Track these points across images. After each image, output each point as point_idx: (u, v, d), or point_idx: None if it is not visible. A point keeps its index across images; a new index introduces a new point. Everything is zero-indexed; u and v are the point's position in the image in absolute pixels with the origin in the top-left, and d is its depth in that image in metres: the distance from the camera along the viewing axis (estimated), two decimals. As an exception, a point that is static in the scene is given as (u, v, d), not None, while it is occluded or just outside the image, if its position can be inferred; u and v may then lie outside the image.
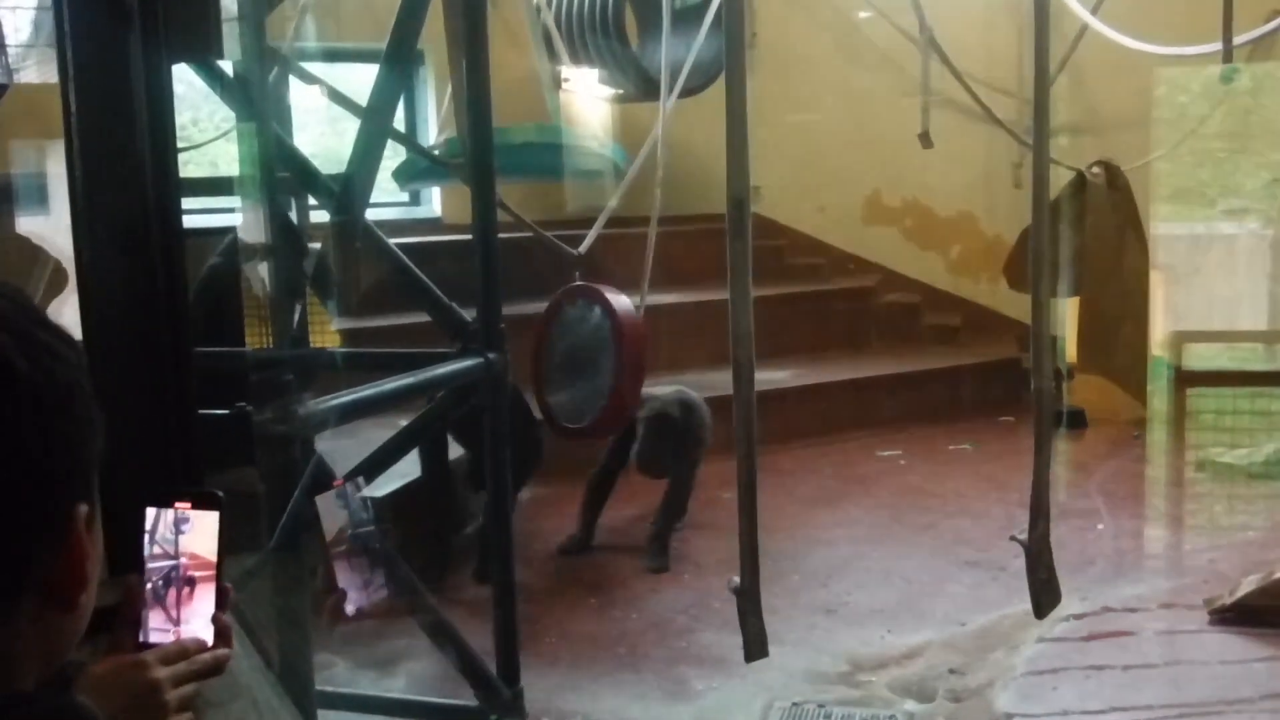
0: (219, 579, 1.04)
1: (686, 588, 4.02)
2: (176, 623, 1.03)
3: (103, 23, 1.46)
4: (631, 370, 3.92)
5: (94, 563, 0.87)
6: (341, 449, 2.63)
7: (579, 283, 4.04)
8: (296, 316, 2.75)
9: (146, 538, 1.02)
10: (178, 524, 1.02)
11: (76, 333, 1.64)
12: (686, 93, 5.40)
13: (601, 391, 3.91)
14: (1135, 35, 5.63)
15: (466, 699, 2.80)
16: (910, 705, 3.14)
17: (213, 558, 1.03)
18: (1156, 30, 5.63)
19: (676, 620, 3.73)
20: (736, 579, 2.58)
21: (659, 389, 4.35)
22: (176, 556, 1.02)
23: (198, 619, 1.03)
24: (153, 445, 1.60)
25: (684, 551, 4.36)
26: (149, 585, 1.02)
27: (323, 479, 2.02)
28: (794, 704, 3.14)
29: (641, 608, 3.85)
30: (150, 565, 1.02)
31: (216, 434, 1.78)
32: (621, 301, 3.95)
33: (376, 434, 2.75)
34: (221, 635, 1.05)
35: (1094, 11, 5.64)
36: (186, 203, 1.68)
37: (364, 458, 2.42)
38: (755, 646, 2.60)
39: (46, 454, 0.80)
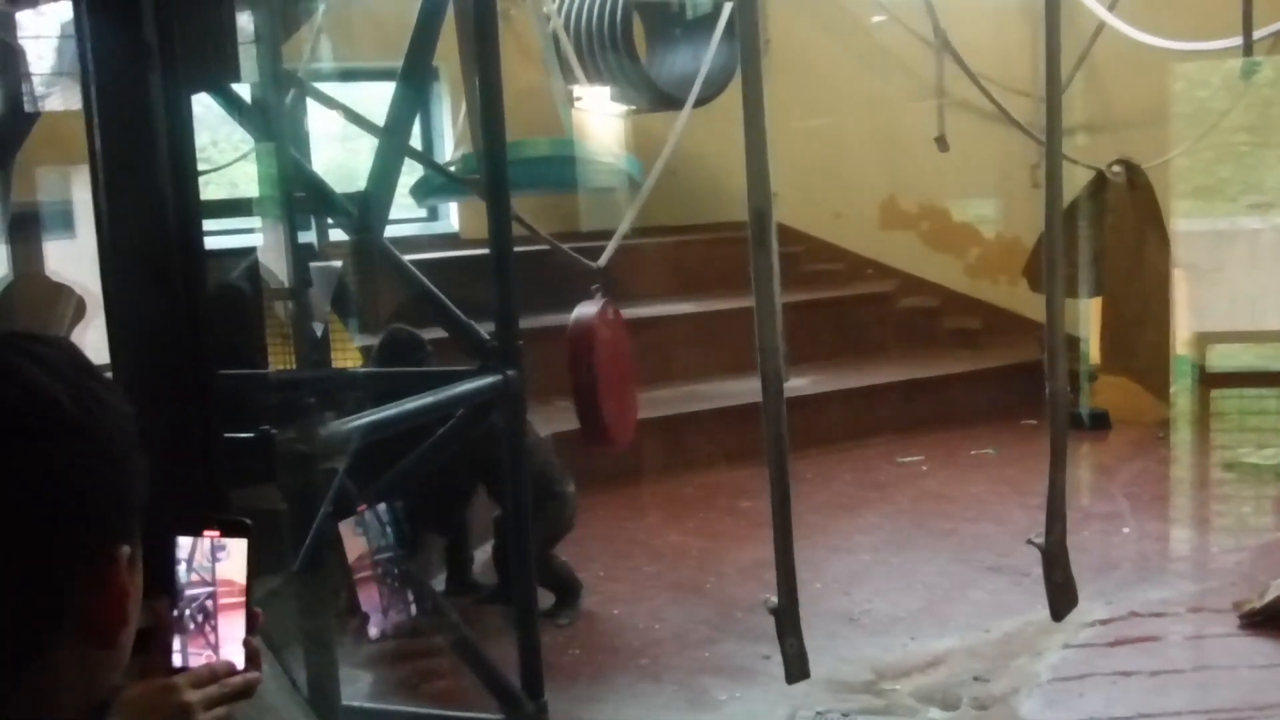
0: (249, 604, 1.06)
1: (708, 598, 4.02)
2: (209, 647, 1.06)
3: (124, 58, 1.50)
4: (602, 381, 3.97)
5: (135, 602, 0.89)
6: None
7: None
8: (319, 336, 2.79)
9: (182, 566, 1.05)
10: (211, 551, 1.05)
11: (103, 357, 1.67)
12: (699, 102, 5.43)
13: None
14: (1152, 31, 5.60)
15: (491, 712, 2.81)
16: (935, 713, 3.13)
17: (243, 583, 1.06)
18: (1174, 26, 5.59)
19: (698, 631, 3.74)
20: (774, 599, 2.55)
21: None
22: (209, 584, 1.05)
23: (229, 643, 1.06)
24: (177, 468, 1.63)
25: (705, 561, 4.37)
26: (184, 612, 1.05)
27: (345, 500, 2.05)
28: (817, 713, 3.14)
29: (663, 618, 3.86)
30: (183, 592, 1.05)
31: (240, 456, 1.81)
32: (582, 313, 3.98)
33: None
34: (252, 659, 1.07)
35: (1110, 8, 5.62)
36: (206, 224, 1.71)
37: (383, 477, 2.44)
38: (796, 667, 2.57)
39: (92, 497, 0.83)
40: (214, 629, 1.05)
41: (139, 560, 0.90)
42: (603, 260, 4.18)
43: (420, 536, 3.71)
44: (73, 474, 0.80)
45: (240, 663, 1.06)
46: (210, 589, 1.05)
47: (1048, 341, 2.96)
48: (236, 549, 1.06)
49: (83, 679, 0.87)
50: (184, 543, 1.05)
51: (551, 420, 5.02)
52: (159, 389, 1.64)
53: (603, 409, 3.98)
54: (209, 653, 1.05)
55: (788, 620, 2.55)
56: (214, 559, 1.05)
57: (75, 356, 0.85)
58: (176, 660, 1.04)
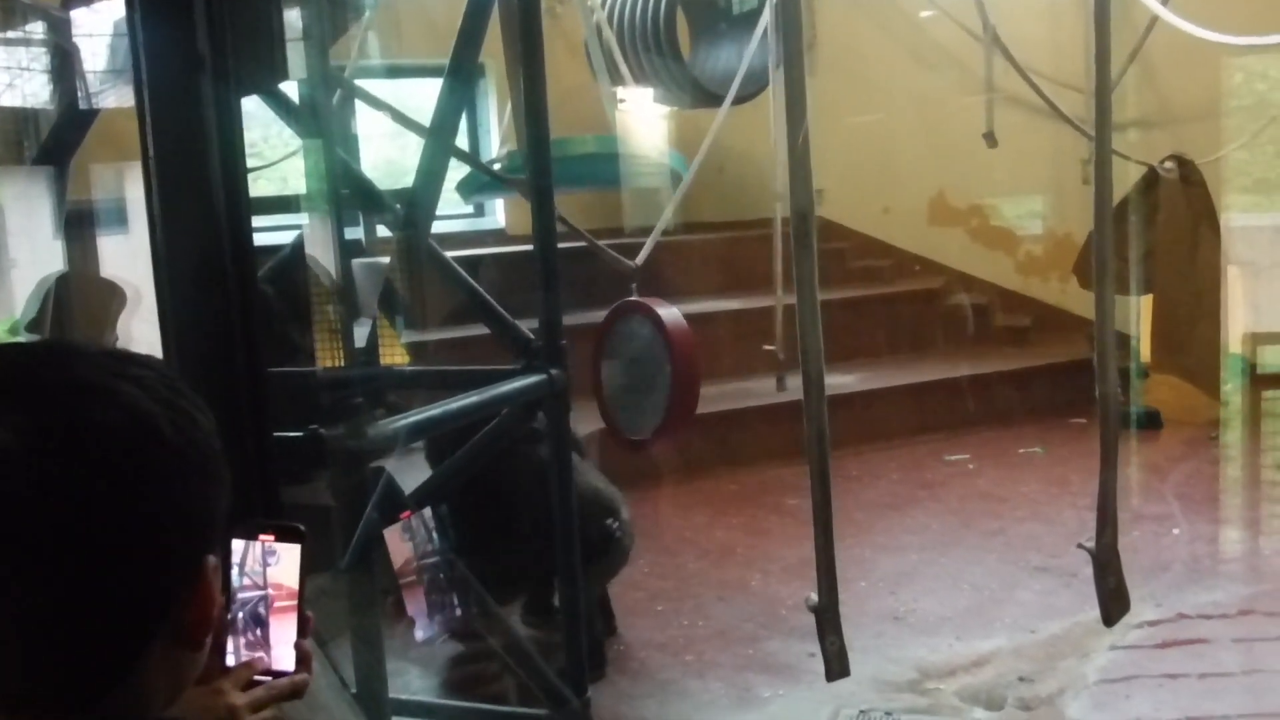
0: (300, 608, 1.09)
1: (753, 595, 4.02)
2: (261, 649, 1.08)
3: (177, 67, 1.53)
4: (684, 381, 3.92)
5: (218, 607, 0.95)
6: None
7: (632, 299, 4.05)
8: (367, 333, 2.82)
9: (236, 569, 1.07)
10: (264, 556, 1.07)
11: (156, 352, 1.71)
12: (744, 99, 5.41)
13: (658, 405, 3.91)
14: (1208, 25, 5.49)
15: (536, 708, 2.83)
16: (979, 714, 3.11)
17: (294, 587, 1.08)
18: (1230, 19, 5.49)
19: (743, 628, 3.74)
20: (814, 596, 2.55)
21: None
22: (261, 587, 1.08)
23: (281, 645, 1.08)
24: (230, 467, 1.66)
25: (750, 558, 4.37)
26: (237, 614, 1.07)
27: (392, 499, 2.07)
28: (861, 712, 3.13)
29: (708, 615, 3.86)
30: (236, 595, 1.08)
31: (290, 456, 1.84)
32: (670, 314, 3.96)
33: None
34: (303, 661, 1.10)
35: (1164, 2, 5.52)
36: (255, 220, 1.74)
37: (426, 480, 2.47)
38: (836, 665, 2.56)
39: (188, 512, 0.88)
40: (266, 632, 1.08)
41: (220, 568, 0.95)
42: (640, 259, 4.19)
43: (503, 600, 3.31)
44: (172, 492, 0.86)
45: (291, 665, 1.08)
46: (263, 592, 1.08)
47: (1097, 340, 2.92)
48: (289, 553, 1.08)
49: (170, 681, 0.92)
50: (238, 546, 1.08)
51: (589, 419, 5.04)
52: (211, 388, 1.67)
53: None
54: (261, 655, 1.08)
55: (828, 618, 2.55)
56: (266, 563, 1.07)
57: (167, 376, 0.90)
58: (230, 662, 1.07)
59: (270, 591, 1.08)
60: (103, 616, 0.83)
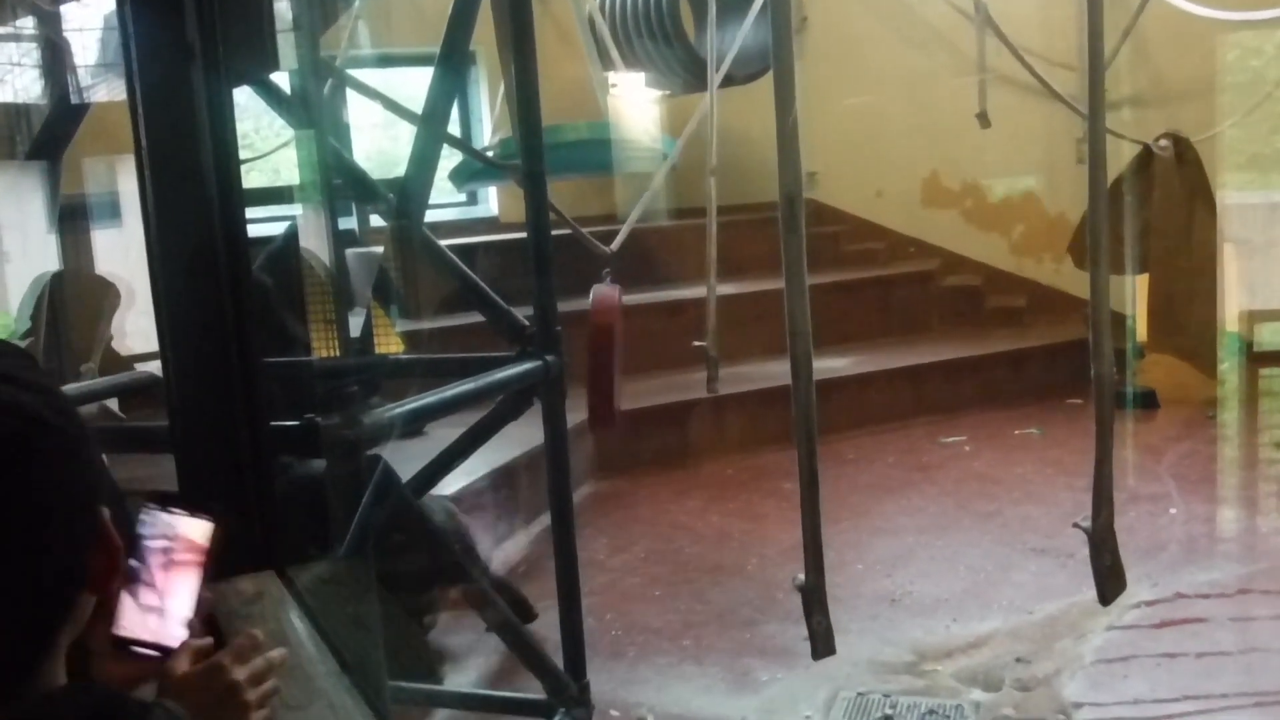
0: (201, 586, 1.12)
1: (751, 579, 4.03)
2: (156, 617, 1.10)
3: (167, 57, 1.52)
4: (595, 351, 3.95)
5: (121, 552, 1.02)
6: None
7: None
8: (361, 322, 2.82)
9: (146, 540, 1.09)
10: (170, 527, 1.09)
11: (138, 345, 1.72)
12: (745, 80, 5.40)
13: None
14: (1201, 1, 5.49)
15: (534, 692, 2.85)
16: (976, 694, 3.12)
17: (197, 565, 1.11)
18: (1223, -4, 5.48)
19: (741, 612, 3.75)
20: (801, 576, 2.58)
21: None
22: (169, 556, 1.09)
23: (175, 617, 1.11)
24: (226, 457, 1.66)
25: (747, 543, 4.38)
26: (139, 578, 1.09)
27: (389, 486, 2.07)
28: (859, 694, 3.15)
29: (706, 600, 3.88)
30: (142, 560, 1.09)
31: (285, 445, 1.84)
32: (599, 290, 3.96)
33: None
34: (203, 640, 1.13)
35: (1156, -20, 5.52)
36: (249, 212, 1.74)
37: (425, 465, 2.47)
38: (822, 644, 2.60)
39: (82, 477, 0.98)
40: (165, 601, 1.10)
41: (114, 517, 1.03)
42: (615, 244, 4.20)
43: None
44: (68, 467, 0.96)
45: (182, 636, 1.11)
46: (167, 560, 1.10)
47: (1092, 320, 2.92)
48: (197, 531, 1.11)
49: (74, 627, 1.00)
50: (148, 515, 1.09)
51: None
52: (206, 378, 1.67)
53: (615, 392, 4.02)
54: (154, 619, 1.09)
55: (815, 598, 2.58)
56: (168, 535, 1.10)
57: (26, 361, 1.00)
58: (124, 624, 1.08)
59: (175, 560, 1.10)
60: (37, 589, 0.93)
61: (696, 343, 5.30)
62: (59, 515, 0.94)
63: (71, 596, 0.97)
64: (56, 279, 3.60)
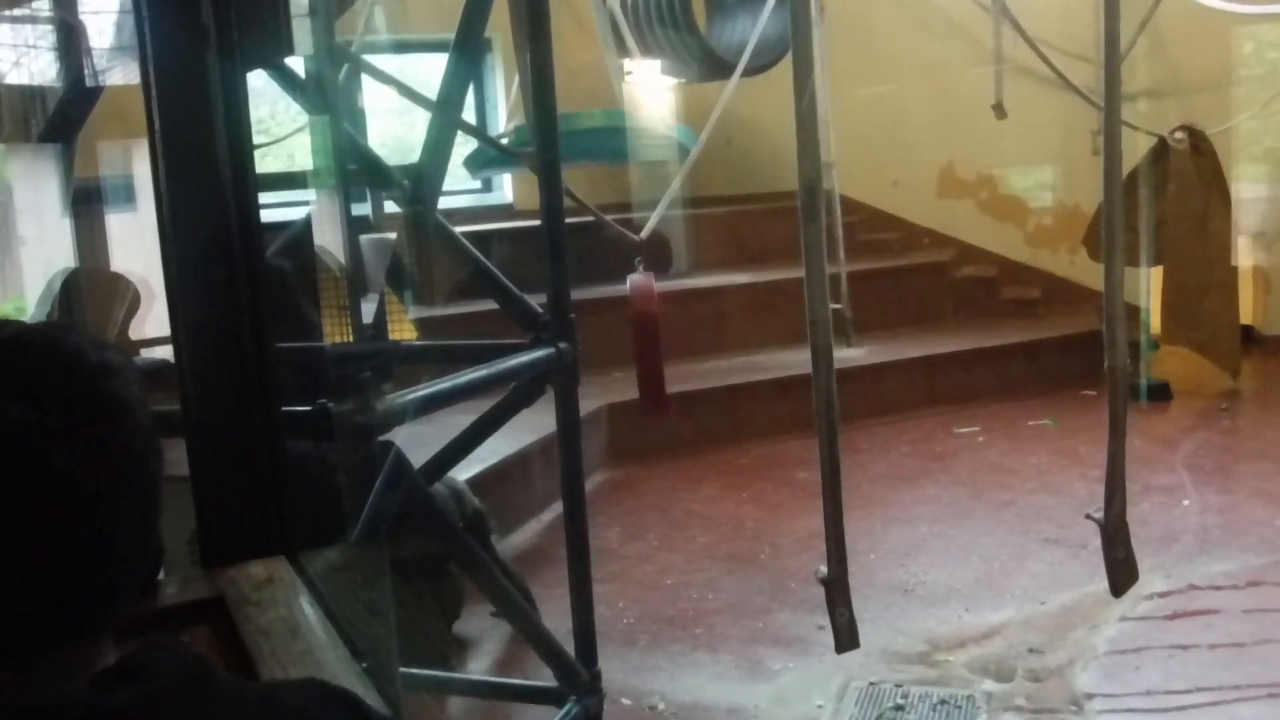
0: None
1: (763, 568, 4.03)
2: None
3: (182, 41, 1.52)
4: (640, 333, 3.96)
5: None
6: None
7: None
8: (375, 308, 2.82)
9: None
10: None
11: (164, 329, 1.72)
12: (758, 70, 5.38)
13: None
14: (1219, -7, 5.44)
15: (546, 680, 2.85)
16: (989, 685, 3.12)
17: None
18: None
19: (753, 601, 3.75)
20: (824, 569, 2.56)
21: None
22: None
23: None
24: (240, 442, 1.66)
25: (760, 531, 4.38)
26: None
27: (401, 472, 2.08)
28: (871, 683, 3.14)
29: (718, 589, 3.88)
30: None
31: (298, 430, 1.84)
32: (635, 279, 3.97)
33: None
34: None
35: (1174, -29, 5.47)
36: (263, 197, 1.74)
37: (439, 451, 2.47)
38: (846, 637, 2.57)
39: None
40: None
41: None
42: (645, 233, 4.18)
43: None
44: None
45: None
46: None
47: (1107, 311, 2.90)
48: None
49: None
50: None
51: (610, 391, 5.07)
52: (219, 363, 1.67)
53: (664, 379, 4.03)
54: None
55: (838, 590, 2.56)
56: None
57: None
58: None
59: None
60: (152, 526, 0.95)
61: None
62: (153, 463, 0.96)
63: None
64: (73, 276, 3.61)
